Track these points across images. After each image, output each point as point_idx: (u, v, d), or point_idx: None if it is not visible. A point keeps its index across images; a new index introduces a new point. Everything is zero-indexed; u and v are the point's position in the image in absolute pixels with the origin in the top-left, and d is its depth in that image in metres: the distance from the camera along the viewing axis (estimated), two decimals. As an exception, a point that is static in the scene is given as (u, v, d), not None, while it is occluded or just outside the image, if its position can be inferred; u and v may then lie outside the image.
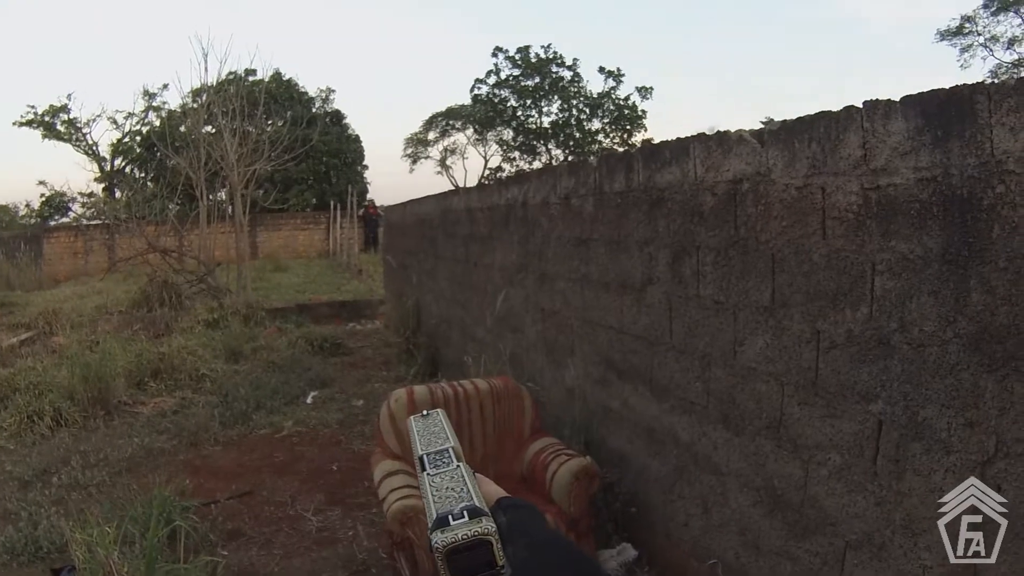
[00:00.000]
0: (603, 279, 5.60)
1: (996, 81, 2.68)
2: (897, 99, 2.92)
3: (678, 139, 4.57)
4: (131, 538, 5.40)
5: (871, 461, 3.12)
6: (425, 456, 1.13)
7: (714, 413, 4.27)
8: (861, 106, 3.09)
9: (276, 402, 10.08)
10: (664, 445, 4.86)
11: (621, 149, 41.10)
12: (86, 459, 7.98)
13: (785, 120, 3.60)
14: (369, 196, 43.78)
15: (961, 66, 35.13)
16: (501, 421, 5.64)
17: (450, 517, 0.91)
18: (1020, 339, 2.52)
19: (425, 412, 1.32)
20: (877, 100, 3.01)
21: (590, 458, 5.14)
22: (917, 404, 2.89)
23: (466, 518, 0.90)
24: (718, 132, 4.15)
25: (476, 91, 49.31)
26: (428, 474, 1.07)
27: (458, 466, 1.08)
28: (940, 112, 2.74)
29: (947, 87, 2.76)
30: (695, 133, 4.37)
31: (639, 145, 5.79)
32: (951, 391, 2.75)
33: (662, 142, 4.76)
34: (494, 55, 49.03)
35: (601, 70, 49.06)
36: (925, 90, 2.81)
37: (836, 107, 3.28)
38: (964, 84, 2.66)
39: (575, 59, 48.91)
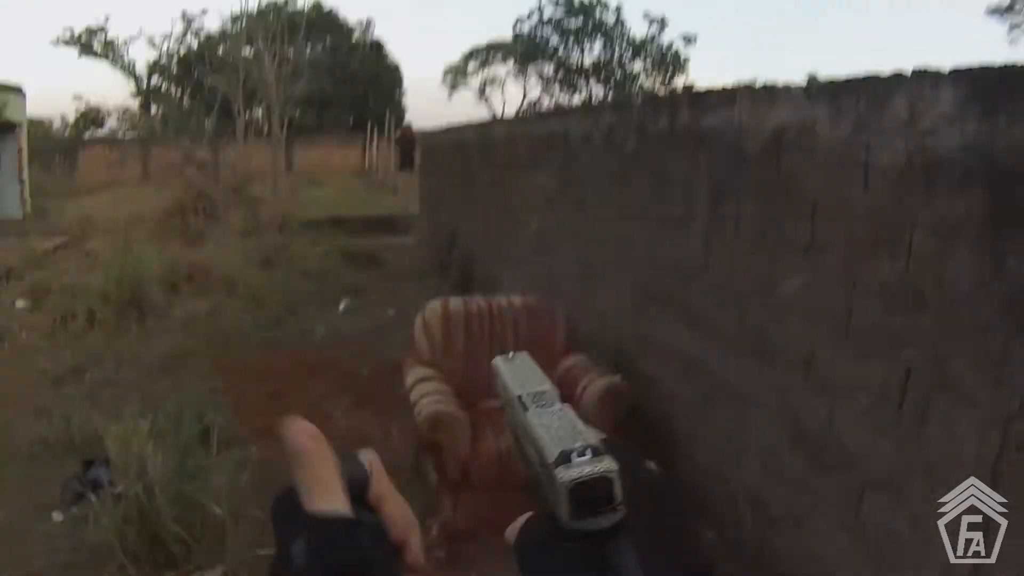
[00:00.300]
0: (642, 211, 5.70)
1: None
2: (945, 71, 2.96)
3: (724, 88, 4.66)
4: (164, 433, 5.40)
5: (897, 406, 3.17)
6: (524, 395, 1.12)
7: (747, 345, 4.36)
8: (910, 74, 3.15)
9: (308, 308, 10.24)
10: (694, 372, 4.97)
11: (662, 91, 40.81)
12: (119, 358, 8.10)
13: (832, 79, 3.68)
14: (407, 121, 43.67)
15: (1010, 43, 34.58)
16: (534, 336, 5.66)
17: (574, 455, 0.99)
18: None
19: (511, 354, 1.29)
20: (926, 70, 3.06)
21: (620, 376, 5.22)
22: (946, 357, 2.93)
23: (588, 456, 0.95)
24: (765, 85, 4.24)
25: (518, 30, 48.81)
26: (532, 413, 1.07)
27: (563, 408, 1.08)
28: (989, 86, 2.79)
29: (997, 64, 2.79)
30: (742, 84, 4.48)
31: (681, 89, 5.86)
32: (980, 349, 2.78)
33: (708, 89, 4.84)
34: None
35: (645, 16, 48.50)
36: (974, 65, 2.86)
37: (874, 72, 3.36)
38: (1014, 63, 2.70)
39: (619, 4, 48.35)
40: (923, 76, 3.06)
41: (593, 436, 0.89)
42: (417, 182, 18.13)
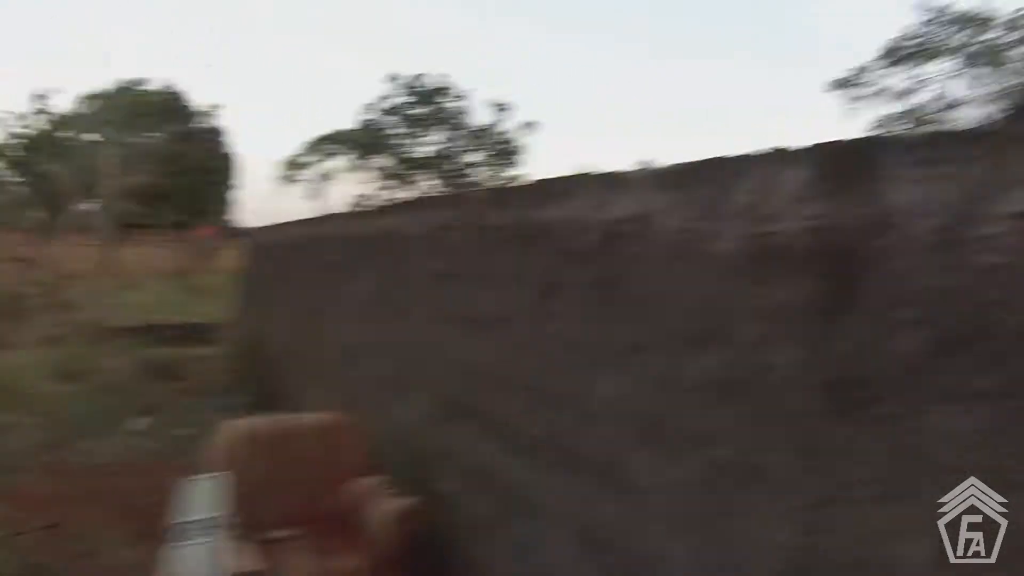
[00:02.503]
0: (458, 313, 5.52)
1: (892, 135, 2.53)
2: (791, 149, 2.95)
3: (563, 178, 4.50)
4: None
5: (700, 505, 3.14)
6: (182, 523, 1.45)
7: (552, 455, 4.18)
8: (754, 154, 3.11)
9: (102, 427, 9.67)
10: (493, 487, 4.78)
11: (495, 183, 41.47)
12: None
13: (678, 164, 3.57)
14: (230, 218, 43.67)
15: (849, 116, 35.96)
16: (327, 457, 5.56)
17: None
18: (872, 389, 2.56)
19: (206, 474, 1.57)
20: (770, 150, 3.03)
21: (413, 498, 5.12)
22: (760, 448, 2.90)
23: None
24: (608, 173, 4.08)
25: (365, 116, 49.31)
26: (175, 544, 1.35)
27: (210, 542, 1.41)
28: (833, 164, 2.77)
29: (844, 139, 2.80)
30: (579, 172, 4.35)
31: (516, 181, 5.60)
32: (796, 436, 2.77)
33: (544, 179, 4.72)
34: (388, 81, 49.09)
35: (491, 103, 49.46)
36: (823, 141, 2.84)
37: (717, 155, 3.30)
38: (861, 137, 2.79)
39: (466, 90, 49.15)
40: (770, 157, 3.02)
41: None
42: (237, 286, 17.86)
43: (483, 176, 48.87)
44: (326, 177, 50.78)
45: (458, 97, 49.20)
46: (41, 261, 19.65)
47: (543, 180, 4.76)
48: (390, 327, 6.85)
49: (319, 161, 50.74)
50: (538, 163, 51.43)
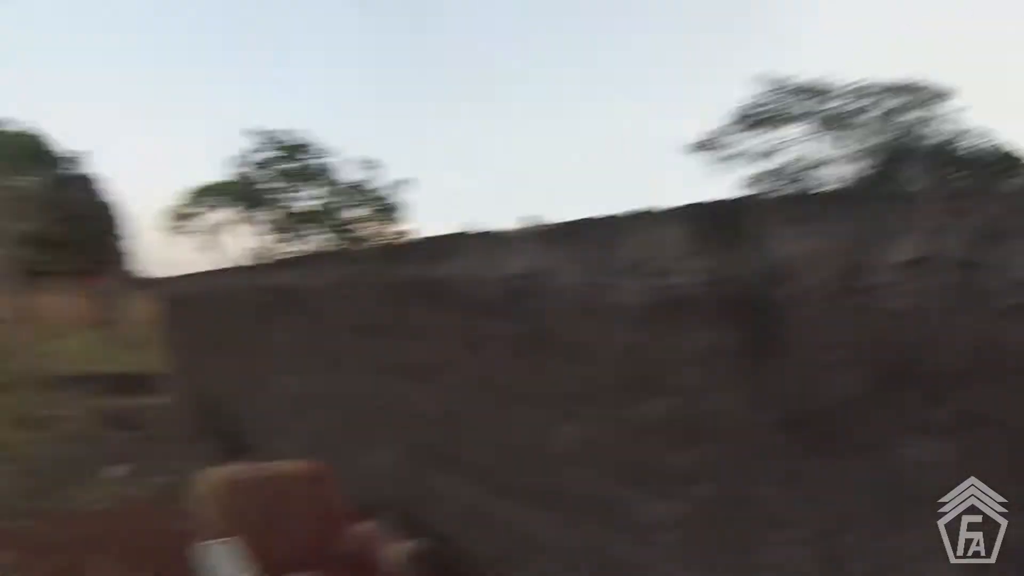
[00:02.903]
0: (396, 364, 5.63)
1: (764, 195, 3.00)
2: (670, 208, 3.06)
3: (452, 235, 4.66)
4: None
5: (707, 538, 3.18)
6: None
7: (539, 497, 4.26)
8: (635, 213, 3.23)
9: (79, 475, 9.73)
10: (491, 527, 4.80)
11: (384, 239, 41.40)
12: None
13: (564, 222, 3.71)
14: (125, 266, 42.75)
15: (712, 177, 36.51)
16: (316, 502, 5.58)
17: None
18: (829, 425, 2.66)
19: (222, 541, 1.36)
20: (651, 209, 3.14)
21: (419, 540, 5.19)
22: (748, 484, 2.95)
23: None
24: (495, 231, 4.25)
25: (239, 168, 48.53)
26: None
27: None
28: (715, 220, 2.87)
29: (721, 198, 2.92)
30: (464, 230, 4.52)
31: (408, 238, 5.97)
32: (783, 470, 2.82)
33: (436, 237, 4.86)
34: (250, 135, 48.31)
35: (359, 160, 49.00)
36: (699, 200, 2.96)
37: (602, 213, 3.43)
38: (740, 196, 2.74)
39: (330, 147, 48.93)
40: (650, 216, 3.14)
41: None
42: (162, 337, 17.85)
43: (369, 231, 48.43)
44: (216, 228, 49.93)
45: (322, 154, 48.81)
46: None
47: (432, 238, 4.91)
48: (325, 377, 6.95)
49: (204, 212, 49.82)
50: (420, 219, 50.96)
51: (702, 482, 3.14)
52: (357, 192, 48.39)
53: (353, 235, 46.81)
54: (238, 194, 47.40)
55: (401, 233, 45.94)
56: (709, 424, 3.05)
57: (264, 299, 8.72)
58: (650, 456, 3.39)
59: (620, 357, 3.41)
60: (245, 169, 48.03)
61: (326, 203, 48.17)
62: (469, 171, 73.75)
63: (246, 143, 46.56)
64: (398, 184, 48.88)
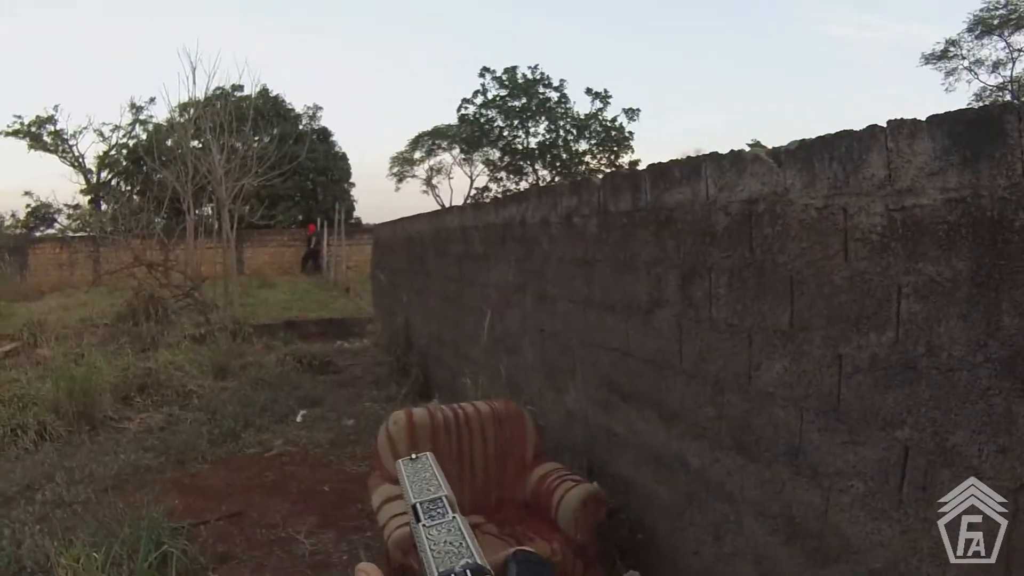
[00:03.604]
0: (607, 301, 5.47)
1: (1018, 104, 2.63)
2: (923, 119, 2.84)
3: (689, 158, 4.45)
4: (119, 559, 5.32)
5: (896, 488, 3.01)
6: (419, 505, 1.15)
7: (727, 439, 4.13)
8: (885, 125, 3.00)
9: (265, 420, 9.94)
10: (673, 471, 4.70)
11: (608, 170, 41.09)
12: (71, 475, 7.82)
13: (804, 139, 3.49)
14: (355, 216, 44.20)
15: (946, 90, 35.19)
16: (503, 445, 5.49)
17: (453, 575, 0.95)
18: None
19: (414, 456, 1.33)
20: (902, 120, 2.93)
21: (596, 484, 5.07)
22: (946, 430, 2.79)
23: None
24: (731, 151, 4.03)
25: (463, 111, 49.36)
26: (424, 526, 1.10)
27: (454, 518, 1.11)
28: (968, 132, 2.66)
29: (975, 107, 2.71)
30: (706, 152, 4.24)
31: (642, 165, 5.60)
32: (982, 416, 2.65)
33: (672, 161, 4.63)
34: (481, 75, 49.20)
35: (588, 91, 49.23)
36: (952, 110, 2.75)
37: (843, 128, 3.24)
38: (993, 104, 2.63)
39: (562, 80, 49.13)
40: (899, 127, 2.93)
41: (477, 553, 0.99)
42: (370, 281, 18.08)
43: (594, 165, 48.53)
44: (435, 172, 51.10)
45: (554, 87, 48.91)
46: (173, 265, 20.22)
47: (663, 163, 4.73)
48: (535, 314, 6.87)
49: (426, 157, 51.01)
50: (647, 150, 50.97)
51: (902, 427, 2.99)
52: (583, 125, 48.38)
53: (576, 169, 46.98)
54: (462, 135, 48.17)
55: (626, 165, 45.77)
56: (926, 362, 2.88)
57: (475, 238, 8.80)
58: (852, 398, 3.25)
59: (843, 288, 3.27)
60: (471, 109, 48.80)
61: (550, 139, 48.35)
62: (698, 99, 73.45)
63: (472, 83, 48.01)
64: (624, 114, 48.81)
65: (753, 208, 3.82)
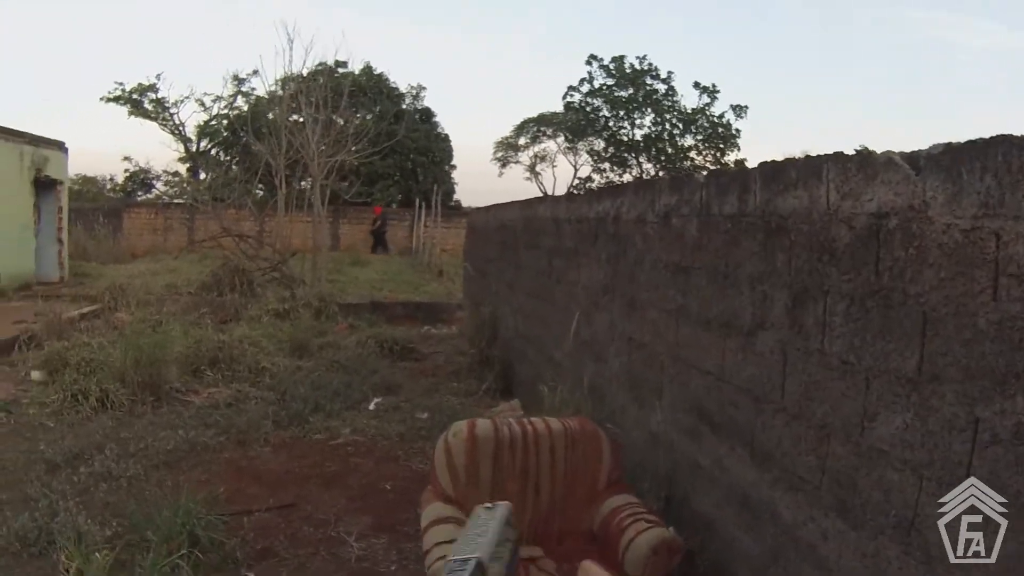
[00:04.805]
0: (703, 315, 4.94)
1: None
2: None
3: (808, 157, 3.88)
4: (141, 546, 5.30)
5: None
6: (449, 562, 1.41)
7: (827, 496, 3.57)
8: None
9: (336, 405, 9.73)
10: (760, 520, 4.17)
11: (713, 167, 40.64)
12: (124, 447, 7.77)
13: (950, 143, 2.89)
14: (455, 199, 44.89)
15: None
16: (574, 468, 4.99)
17: None
18: None
19: (489, 505, 1.66)
20: None
21: (672, 529, 4.58)
22: None
23: None
24: (859, 151, 3.46)
25: (569, 98, 49.56)
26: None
27: None
28: None
29: None
30: (829, 152, 3.67)
31: (733, 165, 5.05)
32: None
33: (786, 160, 4.08)
34: (588, 63, 49.79)
35: (696, 85, 49.30)
36: None
37: (999, 133, 2.64)
38: None
39: (670, 72, 49.04)
40: None
41: None
42: (462, 266, 17.98)
43: (699, 161, 48.43)
44: (539, 159, 51.42)
45: (662, 79, 48.85)
46: (264, 237, 20.28)
47: (776, 162, 4.19)
48: (623, 321, 6.42)
49: (529, 144, 51.39)
50: (753, 148, 50.50)
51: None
52: (690, 119, 48.38)
53: (680, 164, 47.02)
54: (567, 123, 48.60)
55: (734, 163, 45.43)
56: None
57: (566, 232, 8.42)
58: (988, 474, 2.65)
59: (989, 334, 2.67)
60: (576, 97, 49.25)
61: (655, 132, 48.46)
62: (806, 101, 72.58)
63: (580, 71, 48.57)
64: (732, 111, 48.75)
65: (882, 223, 3.22)
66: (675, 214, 5.42)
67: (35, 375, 10.64)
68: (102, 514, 5.99)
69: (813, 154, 3.81)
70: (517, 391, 10.26)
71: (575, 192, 34.15)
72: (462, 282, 18.40)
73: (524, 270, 10.61)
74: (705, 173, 5.06)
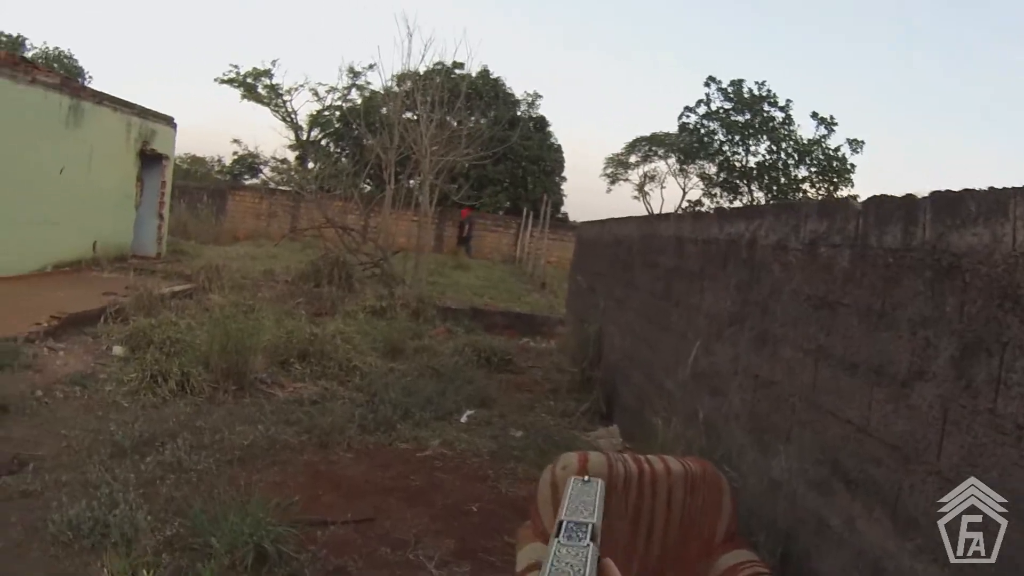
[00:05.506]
0: (849, 357, 4.49)
1: None
2: None
3: (992, 189, 3.42)
4: (212, 552, 5.08)
5: None
6: (565, 522, 1.20)
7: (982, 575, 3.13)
8: None
9: (426, 414, 9.43)
10: None
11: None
12: (198, 438, 7.58)
13: None
14: (563, 210, 45.03)
15: None
16: (691, 516, 4.53)
17: None
18: None
19: (587, 478, 1.37)
20: None
21: None
22: None
23: None
24: None
25: (684, 119, 49.43)
26: (559, 541, 1.15)
27: (588, 545, 1.14)
28: None
29: None
30: (1016, 185, 3.23)
31: (924, 193, 4.52)
32: None
33: (964, 190, 3.61)
34: (706, 85, 49.85)
35: (814, 115, 48.96)
36: None
37: None
38: None
39: (788, 100, 48.79)
40: None
41: None
42: (568, 281, 17.70)
43: (811, 194, 48.21)
44: (649, 178, 51.47)
45: (780, 107, 48.56)
46: (368, 231, 20.21)
47: (951, 192, 3.71)
48: (750, 354, 6.00)
49: (640, 162, 51.50)
50: (866, 184, 49.75)
51: None
52: (805, 151, 48.05)
53: (792, 195, 46.91)
54: (680, 144, 48.71)
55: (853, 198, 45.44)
56: None
57: (690, 253, 8.01)
58: None
59: None
60: (692, 119, 49.31)
61: (771, 160, 48.23)
62: (931, 138, 71.34)
63: (697, 93, 48.82)
64: (848, 145, 48.38)
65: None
66: (823, 243, 4.98)
67: (117, 350, 10.63)
68: (164, 510, 5.79)
69: (996, 186, 3.36)
70: (617, 416, 9.94)
71: (697, 211, 33.89)
72: (566, 296, 18.16)
73: (637, 289, 10.21)
74: (863, 199, 4.60)
